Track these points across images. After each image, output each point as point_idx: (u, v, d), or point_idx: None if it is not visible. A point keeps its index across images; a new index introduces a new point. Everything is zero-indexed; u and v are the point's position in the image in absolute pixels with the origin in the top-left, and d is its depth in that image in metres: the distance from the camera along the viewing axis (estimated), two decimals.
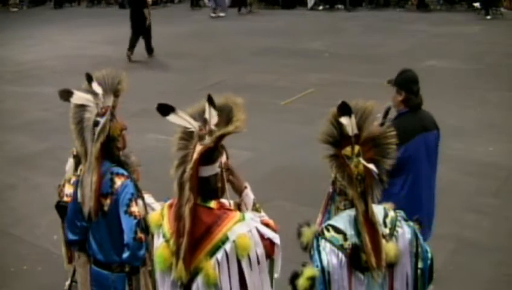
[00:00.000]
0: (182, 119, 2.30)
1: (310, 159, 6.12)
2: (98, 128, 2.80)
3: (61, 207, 3.70)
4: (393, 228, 2.31)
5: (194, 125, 2.29)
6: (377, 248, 2.22)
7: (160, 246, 2.31)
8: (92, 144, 2.82)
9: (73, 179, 3.64)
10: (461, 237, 4.92)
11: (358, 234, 2.24)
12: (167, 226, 2.31)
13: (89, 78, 2.90)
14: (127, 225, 2.81)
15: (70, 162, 3.80)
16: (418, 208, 3.60)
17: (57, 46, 14.73)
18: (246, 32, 15.41)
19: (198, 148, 2.23)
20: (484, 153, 6.65)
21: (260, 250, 2.25)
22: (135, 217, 2.82)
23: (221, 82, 10.19)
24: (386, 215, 2.34)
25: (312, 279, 2.20)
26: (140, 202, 2.93)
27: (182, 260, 2.18)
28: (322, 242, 2.26)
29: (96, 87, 2.87)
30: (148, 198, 3.25)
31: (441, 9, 17.52)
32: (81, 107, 2.90)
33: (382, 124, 3.55)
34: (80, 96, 2.91)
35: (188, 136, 2.32)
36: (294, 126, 7.52)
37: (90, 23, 18.28)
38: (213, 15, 18.33)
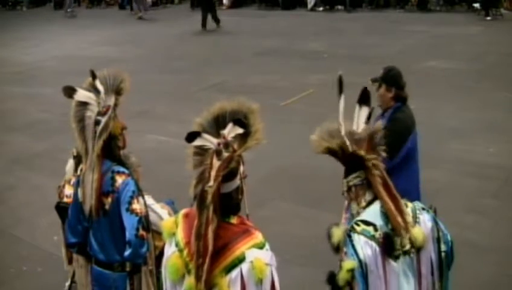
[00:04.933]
0: (204, 140, 2.24)
1: (310, 160, 6.12)
2: (100, 127, 2.81)
3: (61, 208, 3.70)
4: (415, 215, 2.41)
5: (214, 143, 2.22)
6: (400, 209, 2.33)
7: (172, 255, 2.24)
8: (93, 142, 2.83)
9: (73, 179, 3.64)
10: (461, 237, 4.90)
11: (387, 223, 2.33)
12: (181, 235, 2.24)
13: (93, 76, 2.91)
14: (129, 222, 2.81)
15: (71, 162, 3.81)
16: (418, 196, 3.68)
17: (57, 47, 14.74)
18: (245, 33, 15.41)
19: (216, 163, 2.16)
20: (484, 153, 6.65)
21: (269, 285, 2.16)
22: (137, 214, 2.82)
23: (221, 83, 10.19)
24: (406, 206, 2.43)
25: (352, 271, 2.27)
26: (141, 199, 2.93)
27: (203, 283, 2.11)
28: (355, 236, 2.32)
29: (98, 84, 2.88)
30: (148, 199, 3.25)
31: (441, 10, 17.51)
32: (83, 106, 2.90)
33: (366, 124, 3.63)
34: (82, 94, 2.92)
35: (202, 149, 2.25)
36: (294, 127, 7.52)
37: (91, 24, 18.29)
38: (135, 15, 18.88)
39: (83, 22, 19.00)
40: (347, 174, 2.46)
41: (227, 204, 2.21)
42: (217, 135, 2.23)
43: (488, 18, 15.34)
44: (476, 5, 16.42)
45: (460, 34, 13.56)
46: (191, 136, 2.22)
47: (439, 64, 10.77)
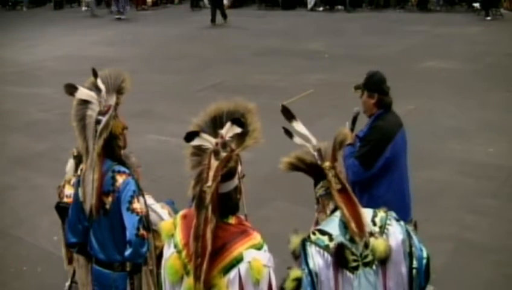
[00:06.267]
0: (203, 140, 2.23)
1: None
2: (101, 125, 2.81)
3: (61, 208, 3.70)
4: (383, 226, 2.33)
5: (212, 142, 2.21)
6: (356, 215, 2.27)
7: (171, 257, 2.24)
8: (94, 141, 2.83)
9: (74, 179, 3.65)
10: (461, 237, 4.92)
11: (344, 233, 2.27)
12: (179, 237, 2.24)
13: (95, 74, 2.91)
14: (130, 221, 2.81)
15: (71, 162, 3.81)
16: (403, 204, 3.65)
17: (57, 47, 14.75)
18: (245, 33, 15.42)
19: (214, 163, 2.15)
20: (484, 153, 6.65)
21: (266, 285, 2.15)
22: (137, 213, 2.82)
23: (221, 83, 10.20)
24: (375, 215, 2.36)
25: (298, 280, 2.22)
26: (142, 199, 2.93)
27: (202, 283, 2.10)
28: (308, 245, 2.29)
29: (100, 83, 2.88)
30: (148, 199, 3.25)
31: (440, 10, 17.53)
32: (84, 104, 2.91)
33: (351, 130, 3.62)
34: (83, 92, 2.92)
35: (199, 150, 2.25)
36: None
37: (91, 24, 18.29)
38: (116, 16, 19.15)
39: (83, 22, 19.01)
40: (315, 186, 2.46)
41: (226, 204, 2.20)
42: (215, 135, 2.23)
43: (488, 18, 15.35)
44: (476, 5, 16.43)
45: (460, 34, 13.57)
46: (190, 136, 2.22)
47: (439, 64, 10.77)
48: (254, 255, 2.13)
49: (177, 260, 2.21)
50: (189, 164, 2.28)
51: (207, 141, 2.22)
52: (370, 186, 3.52)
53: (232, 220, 2.22)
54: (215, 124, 2.28)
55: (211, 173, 2.13)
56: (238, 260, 2.13)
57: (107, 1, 22.65)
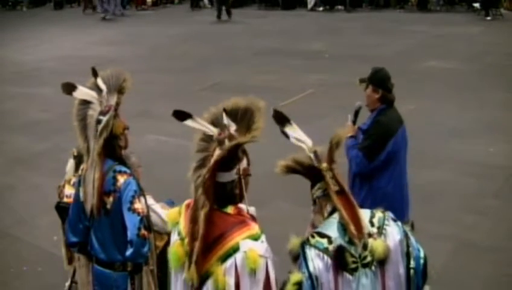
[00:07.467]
0: (199, 125, 2.30)
1: None
2: (101, 125, 2.81)
3: (61, 208, 3.71)
4: (381, 226, 2.33)
5: (212, 130, 2.27)
6: (355, 217, 2.27)
7: (175, 244, 2.30)
8: (95, 141, 2.83)
9: (74, 179, 3.65)
10: (461, 237, 4.92)
11: (343, 235, 2.27)
12: (183, 224, 2.31)
13: (95, 73, 2.90)
14: (131, 221, 2.81)
15: (71, 162, 3.81)
16: (402, 198, 3.73)
17: (57, 47, 14.74)
18: (245, 33, 15.41)
19: (217, 152, 2.22)
20: (484, 153, 6.65)
21: (263, 276, 2.17)
22: (138, 213, 2.83)
23: (221, 82, 10.19)
24: (373, 216, 2.36)
25: (298, 284, 2.22)
26: (143, 199, 2.93)
27: (194, 264, 2.16)
28: (307, 248, 2.29)
29: (101, 83, 2.88)
30: (149, 199, 3.25)
31: (440, 10, 17.52)
32: (85, 104, 2.91)
33: (354, 123, 3.68)
34: (83, 92, 2.92)
35: (208, 138, 2.32)
36: None
37: (90, 24, 18.28)
38: (102, 15, 19.14)
39: (83, 22, 18.99)
40: (311, 187, 2.44)
41: (222, 193, 2.24)
42: (223, 129, 2.28)
43: (488, 18, 15.34)
44: (476, 5, 16.42)
45: (460, 34, 13.56)
46: (181, 115, 2.29)
47: (439, 64, 10.77)
48: (250, 245, 2.16)
49: (180, 247, 2.26)
50: (195, 148, 2.33)
51: (204, 126, 2.28)
52: (371, 178, 3.62)
53: (230, 210, 2.26)
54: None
55: (211, 162, 2.21)
56: (235, 249, 2.17)
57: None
